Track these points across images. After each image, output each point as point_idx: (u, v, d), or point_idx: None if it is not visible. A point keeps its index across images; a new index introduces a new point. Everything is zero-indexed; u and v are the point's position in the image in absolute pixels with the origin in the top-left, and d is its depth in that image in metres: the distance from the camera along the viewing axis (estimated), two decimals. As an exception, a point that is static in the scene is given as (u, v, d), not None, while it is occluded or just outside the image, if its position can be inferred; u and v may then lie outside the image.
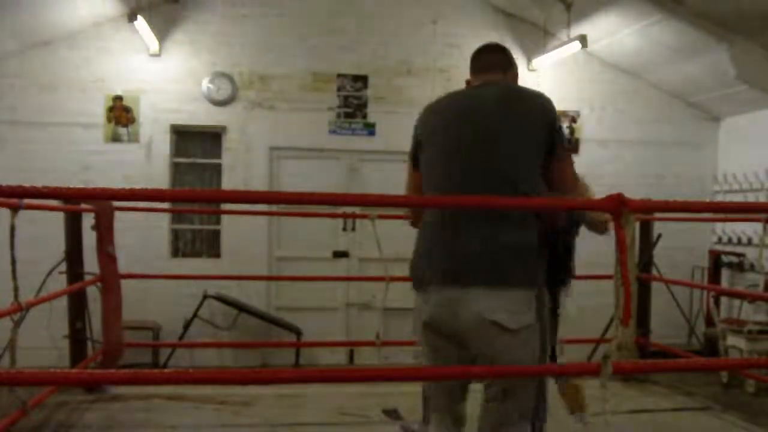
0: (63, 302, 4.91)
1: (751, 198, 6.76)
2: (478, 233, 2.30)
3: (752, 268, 6.79)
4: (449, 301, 2.29)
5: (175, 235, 7.10)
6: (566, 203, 2.53)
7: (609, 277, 4.26)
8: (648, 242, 5.73)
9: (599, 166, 6.98)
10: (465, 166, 2.37)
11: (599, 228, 2.95)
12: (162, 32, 6.76)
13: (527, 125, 2.33)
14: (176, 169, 7.05)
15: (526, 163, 2.35)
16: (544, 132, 2.33)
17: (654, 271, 5.83)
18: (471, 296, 2.24)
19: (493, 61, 2.56)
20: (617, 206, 2.34)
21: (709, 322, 6.51)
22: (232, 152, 6.99)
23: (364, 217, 5.05)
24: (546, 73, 7.38)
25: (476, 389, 2.58)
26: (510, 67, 2.56)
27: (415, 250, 2.49)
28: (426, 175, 2.51)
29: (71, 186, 2.96)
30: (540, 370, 2.43)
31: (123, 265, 5.07)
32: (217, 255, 7.06)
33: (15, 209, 2.69)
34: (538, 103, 2.38)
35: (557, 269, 2.57)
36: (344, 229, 7.10)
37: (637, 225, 5.51)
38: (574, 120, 7.42)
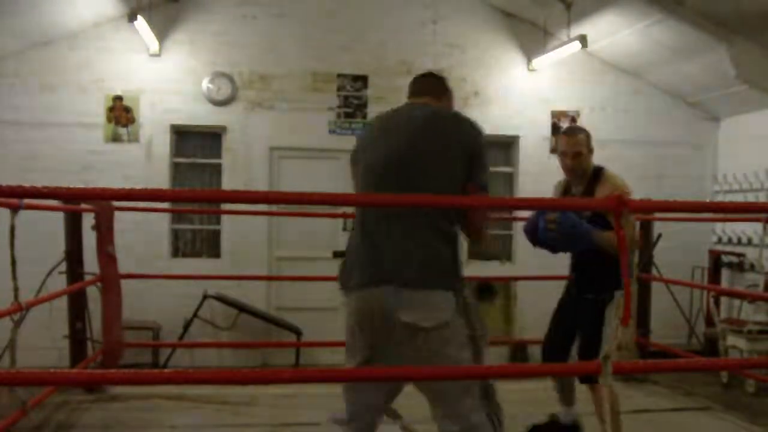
0: (63, 302, 4.91)
1: (751, 198, 6.76)
2: (397, 239, 2.36)
3: (752, 268, 6.79)
4: (369, 303, 2.38)
5: (175, 235, 7.10)
6: (565, 203, 2.53)
7: (609, 277, 4.22)
8: (648, 242, 5.73)
9: (599, 166, 6.98)
10: (380, 183, 2.44)
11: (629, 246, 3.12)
12: (162, 32, 6.76)
13: (445, 148, 2.38)
14: (176, 169, 7.05)
15: (439, 184, 2.38)
16: (463, 157, 2.39)
17: (654, 271, 5.83)
18: (386, 297, 2.32)
19: (426, 87, 2.69)
20: (617, 206, 2.35)
21: (709, 322, 6.51)
22: (232, 152, 6.99)
23: (364, 217, 5.06)
24: (546, 73, 7.38)
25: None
26: (443, 93, 2.66)
27: (345, 254, 2.56)
28: (355, 187, 2.61)
29: (71, 186, 2.96)
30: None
31: (123, 265, 5.07)
32: (217, 255, 7.06)
33: (15, 209, 2.69)
34: (462, 128, 2.44)
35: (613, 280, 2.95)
36: (344, 229, 7.09)
37: (637, 225, 5.52)
38: (574, 120, 7.42)
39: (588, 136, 3.68)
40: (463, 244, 2.54)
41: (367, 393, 2.60)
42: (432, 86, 2.69)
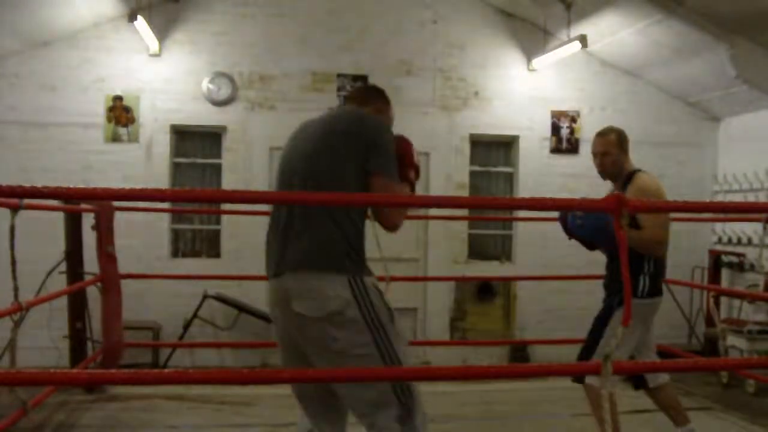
0: (63, 302, 4.91)
1: (751, 198, 6.76)
2: (298, 230, 2.45)
3: (752, 268, 6.79)
4: (275, 294, 2.51)
5: (175, 235, 7.10)
6: (565, 203, 2.53)
7: (609, 277, 4.22)
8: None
9: (599, 166, 6.98)
10: (285, 183, 2.60)
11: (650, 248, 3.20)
12: (162, 32, 6.75)
13: (346, 142, 2.49)
14: (176, 169, 7.05)
15: (336, 179, 2.46)
16: (362, 149, 2.46)
17: (654, 271, 5.83)
18: (285, 286, 2.43)
19: (354, 94, 2.89)
20: (617, 206, 2.35)
21: (709, 322, 6.51)
22: (232, 152, 6.99)
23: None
24: (546, 73, 7.37)
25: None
26: (367, 101, 2.75)
27: None
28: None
29: (71, 186, 2.96)
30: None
31: (123, 265, 5.08)
32: (217, 255, 7.05)
33: (15, 209, 2.69)
34: (363, 123, 2.54)
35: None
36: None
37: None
38: (574, 120, 7.42)
39: (619, 136, 3.70)
40: (377, 232, 2.64)
41: (304, 402, 2.65)
42: (360, 93, 2.85)
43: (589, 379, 3.44)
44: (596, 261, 4.07)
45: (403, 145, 2.64)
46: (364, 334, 2.38)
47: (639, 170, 3.66)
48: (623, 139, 3.70)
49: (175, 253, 7.06)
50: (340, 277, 2.38)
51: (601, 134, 3.74)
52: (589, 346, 3.54)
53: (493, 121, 7.34)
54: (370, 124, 2.54)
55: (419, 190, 8.07)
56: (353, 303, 2.37)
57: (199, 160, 7.13)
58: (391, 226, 2.55)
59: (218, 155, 7.07)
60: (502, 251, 7.58)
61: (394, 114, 2.90)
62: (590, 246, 3.73)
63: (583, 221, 3.48)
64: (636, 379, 3.77)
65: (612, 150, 3.65)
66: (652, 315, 3.65)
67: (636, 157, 7.86)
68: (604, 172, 3.70)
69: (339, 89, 7.12)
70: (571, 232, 3.57)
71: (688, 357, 5.55)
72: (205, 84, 6.90)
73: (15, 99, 6.61)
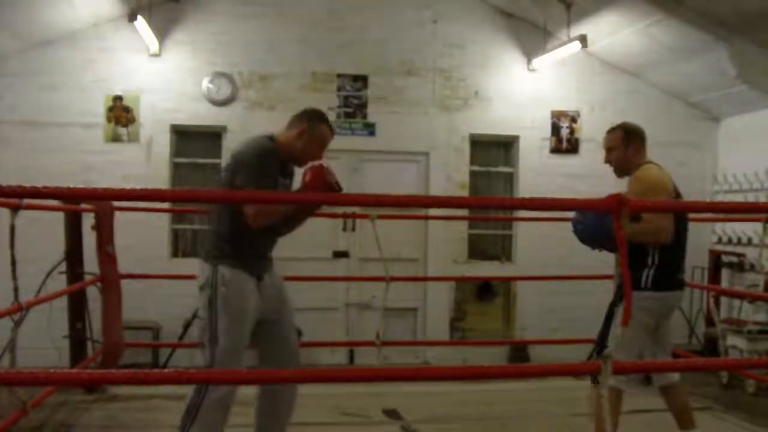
0: (63, 302, 4.91)
1: (751, 198, 6.75)
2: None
3: (752, 268, 6.79)
4: None
5: (175, 235, 7.09)
6: (563, 203, 2.53)
7: (609, 277, 4.29)
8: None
9: (599, 166, 6.94)
10: None
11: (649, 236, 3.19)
12: (162, 32, 6.75)
13: (230, 166, 3.15)
14: (176, 169, 7.05)
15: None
16: (235, 170, 3.08)
17: (654, 271, 5.83)
18: None
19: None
20: (617, 206, 2.35)
21: (709, 322, 6.51)
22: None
23: (364, 217, 5.05)
24: (546, 73, 7.37)
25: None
26: (292, 125, 3.23)
27: None
28: None
29: (71, 186, 2.96)
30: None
31: (123, 265, 5.08)
32: (217, 255, 7.04)
33: (15, 209, 2.69)
34: (241, 147, 3.15)
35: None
36: (344, 229, 7.09)
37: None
38: (574, 120, 7.42)
39: (626, 132, 3.68)
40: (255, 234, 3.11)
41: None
42: (291, 119, 3.28)
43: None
44: (596, 261, 4.08)
45: (311, 171, 3.11)
46: (207, 310, 3.07)
47: (645, 164, 3.62)
48: (631, 135, 3.67)
49: (175, 253, 7.06)
50: (206, 265, 3.10)
51: (609, 131, 3.77)
52: (599, 345, 3.54)
53: (493, 121, 7.34)
54: (246, 149, 3.11)
55: (419, 190, 8.08)
56: (207, 285, 3.06)
57: (199, 160, 7.13)
58: (253, 225, 3.04)
59: (218, 155, 7.06)
60: (502, 251, 7.58)
61: (333, 130, 3.28)
62: (597, 247, 3.72)
63: (584, 224, 3.48)
64: (644, 376, 3.71)
65: (617, 145, 3.66)
66: (663, 310, 3.58)
67: (636, 157, 7.79)
68: (612, 166, 3.73)
69: (339, 89, 7.13)
70: (576, 234, 3.57)
71: (688, 357, 5.54)
72: (205, 84, 6.90)
73: (15, 99, 6.61)
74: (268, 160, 3.08)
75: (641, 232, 3.36)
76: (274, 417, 3.38)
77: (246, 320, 3.12)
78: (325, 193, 3.10)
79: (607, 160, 3.74)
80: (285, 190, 3.24)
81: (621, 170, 3.70)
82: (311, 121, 3.21)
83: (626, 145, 3.65)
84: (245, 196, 2.94)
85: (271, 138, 3.19)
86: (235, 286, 3.06)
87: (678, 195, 3.62)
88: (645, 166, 3.59)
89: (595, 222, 3.41)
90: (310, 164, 3.15)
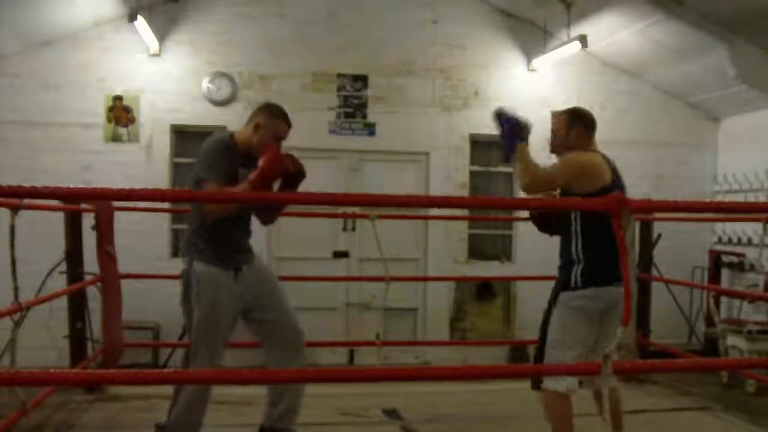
0: (63, 302, 4.91)
1: (751, 198, 6.76)
2: None
3: (752, 268, 6.79)
4: None
5: (175, 235, 7.09)
6: (563, 203, 2.53)
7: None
8: (648, 242, 5.73)
9: (599, 166, 6.98)
10: None
11: None
12: (162, 32, 6.76)
13: (193, 165, 3.34)
14: (176, 169, 7.05)
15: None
16: (196, 165, 3.29)
17: (654, 271, 5.84)
18: None
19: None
20: (617, 206, 2.35)
21: (709, 322, 6.51)
22: (232, 152, 6.98)
23: (364, 217, 5.05)
24: (546, 73, 7.38)
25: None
26: (250, 119, 3.39)
27: None
28: None
29: (71, 186, 2.96)
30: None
31: (123, 265, 5.08)
32: (217, 255, 7.04)
33: (15, 209, 2.68)
34: (203, 144, 3.32)
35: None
36: (344, 229, 7.09)
37: (637, 225, 5.52)
38: (574, 120, 7.41)
39: (571, 115, 3.47)
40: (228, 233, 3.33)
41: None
42: (251, 113, 3.44)
43: (546, 384, 3.27)
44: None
45: (265, 156, 3.18)
46: (184, 305, 3.37)
47: (591, 151, 3.40)
48: (575, 119, 3.45)
49: (175, 253, 7.05)
50: (184, 259, 3.34)
51: (555, 113, 3.56)
52: (539, 350, 3.39)
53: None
54: (205, 144, 3.30)
55: (419, 190, 8.07)
56: (184, 279, 3.32)
57: (199, 160, 7.12)
58: (208, 216, 3.20)
59: (218, 155, 7.06)
60: (502, 251, 7.58)
61: (289, 124, 3.44)
62: (545, 229, 3.65)
63: (509, 122, 3.38)
64: (534, 379, 3.45)
65: (561, 127, 3.46)
66: (598, 310, 3.31)
67: (636, 157, 7.90)
68: (553, 149, 3.52)
69: (339, 89, 7.13)
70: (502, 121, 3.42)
71: (688, 357, 5.55)
72: (205, 84, 6.90)
73: (15, 99, 6.61)
74: (223, 152, 3.25)
75: (532, 177, 3.29)
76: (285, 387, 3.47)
77: (218, 313, 3.28)
78: (289, 181, 3.30)
79: (551, 143, 3.52)
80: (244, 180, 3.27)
81: (557, 152, 3.49)
82: (265, 115, 3.37)
83: (569, 127, 3.43)
84: (245, 196, 2.95)
85: (231, 135, 3.37)
86: (207, 281, 3.25)
87: (621, 188, 3.26)
88: (580, 152, 3.36)
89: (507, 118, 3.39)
90: (265, 149, 3.26)
